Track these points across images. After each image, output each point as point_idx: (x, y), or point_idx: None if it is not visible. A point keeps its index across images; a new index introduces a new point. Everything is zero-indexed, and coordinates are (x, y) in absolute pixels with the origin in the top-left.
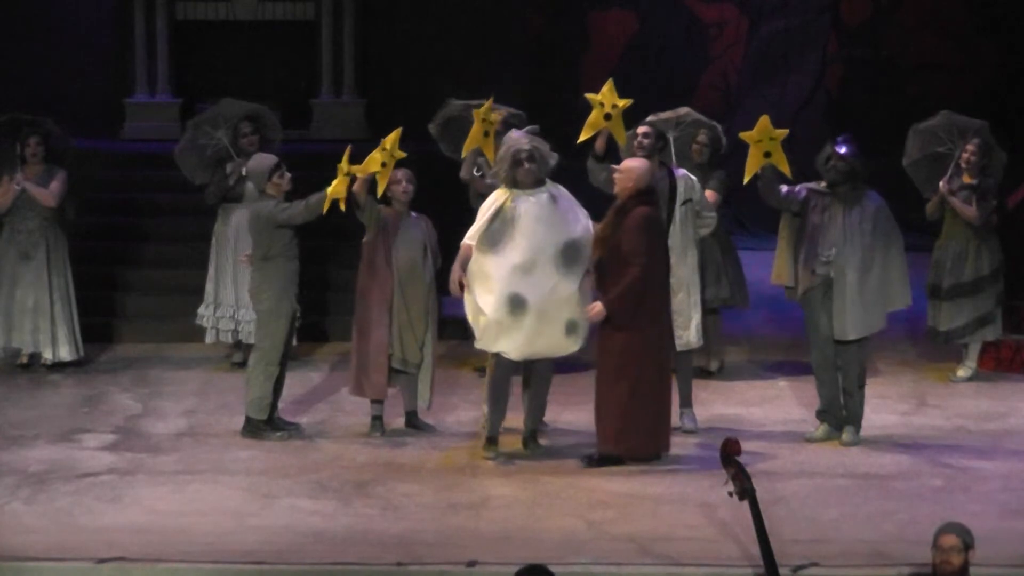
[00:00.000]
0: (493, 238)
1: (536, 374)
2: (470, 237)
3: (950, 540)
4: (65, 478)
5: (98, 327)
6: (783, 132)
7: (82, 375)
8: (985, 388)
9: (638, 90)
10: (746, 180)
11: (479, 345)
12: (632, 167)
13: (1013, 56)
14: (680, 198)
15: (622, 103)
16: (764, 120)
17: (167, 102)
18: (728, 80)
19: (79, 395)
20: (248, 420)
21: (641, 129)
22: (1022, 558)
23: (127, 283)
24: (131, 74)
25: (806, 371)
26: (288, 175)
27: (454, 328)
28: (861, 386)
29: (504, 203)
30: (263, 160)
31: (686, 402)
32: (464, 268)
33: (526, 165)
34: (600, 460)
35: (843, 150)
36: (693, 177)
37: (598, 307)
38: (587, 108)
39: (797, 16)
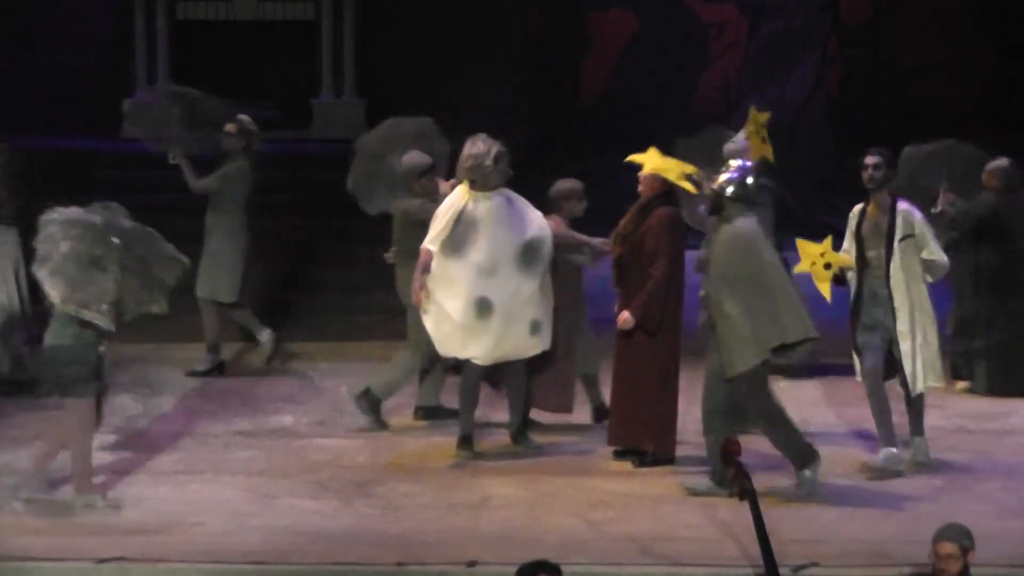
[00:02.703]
0: (456, 242)
1: (510, 373)
2: (430, 242)
3: (947, 548)
4: (65, 478)
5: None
6: (838, 257)
7: None
8: None
9: (638, 90)
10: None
11: (445, 352)
12: None
13: (1013, 56)
14: (899, 233)
15: (832, 257)
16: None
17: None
18: (728, 80)
19: None
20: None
21: (870, 160)
22: (1022, 558)
23: None
24: (131, 74)
25: (806, 372)
26: (436, 180)
27: None
28: (772, 427)
29: (464, 205)
30: (419, 158)
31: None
32: (425, 274)
33: (503, 165)
34: (655, 461)
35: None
36: (915, 211)
37: (626, 315)
38: (586, 107)
39: (797, 16)
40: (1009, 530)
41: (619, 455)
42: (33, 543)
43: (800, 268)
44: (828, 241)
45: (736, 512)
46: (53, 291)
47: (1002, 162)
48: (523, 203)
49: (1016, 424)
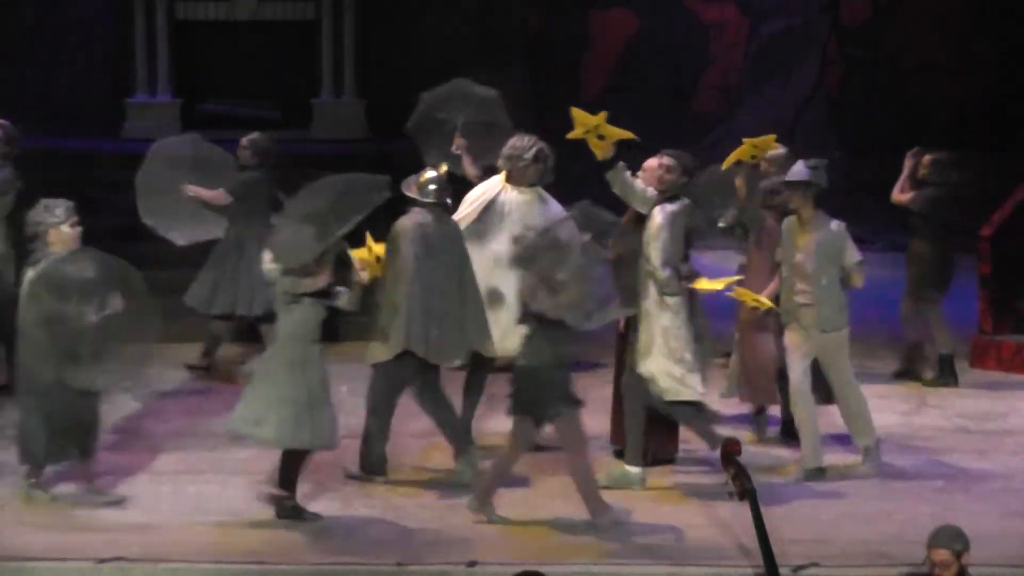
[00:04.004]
0: (481, 229)
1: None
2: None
3: (940, 556)
4: (65, 478)
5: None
6: (611, 130)
7: None
8: (985, 388)
9: (638, 90)
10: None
11: None
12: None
13: (1013, 56)
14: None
15: (607, 130)
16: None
17: (167, 102)
18: (728, 80)
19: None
20: None
21: (665, 161)
22: (1022, 558)
23: None
24: (131, 74)
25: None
26: None
27: None
28: (373, 415)
29: (497, 195)
30: None
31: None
32: None
33: (541, 164)
34: (655, 461)
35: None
36: (657, 216)
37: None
38: (586, 107)
39: (797, 16)
40: (1009, 530)
41: (619, 455)
42: (33, 542)
43: (573, 135)
44: (603, 115)
45: (736, 512)
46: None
47: (780, 151)
48: (557, 206)
49: (1016, 424)
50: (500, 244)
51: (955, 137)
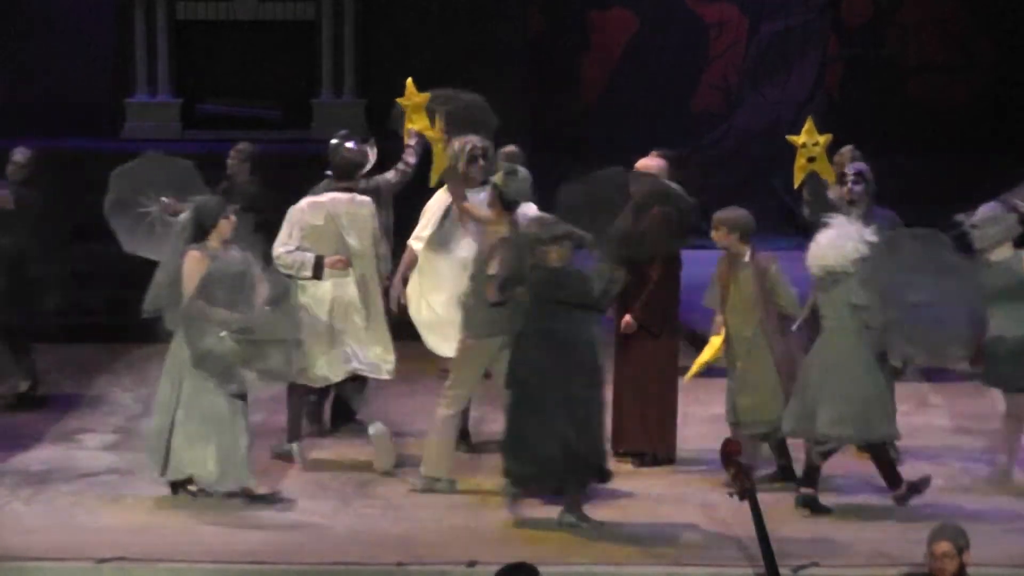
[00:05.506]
0: (444, 236)
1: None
2: (416, 239)
3: (943, 547)
4: (65, 478)
5: (99, 327)
6: (827, 137)
7: (82, 375)
8: (985, 388)
9: (638, 90)
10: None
11: (429, 345)
12: (650, 167)
13: (1012, 56)
14: None
15: (823, 140)
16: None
17: (167, 102)
18: (728, 80)
19: (79, 395)
20: None
21: (851, 170)
22: (1022, 558)
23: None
24: (131, 74)
25: None
26: None
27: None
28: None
29: (451, 203)
30: None
31: None
32: (407, 276)
33: (480, 162)
34: (655, 461)
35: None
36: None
37: (628, 319)
38: (586, 107)
39: (797, 16)
40: (1009, 530)
41: (619, 455)
42: (34, 542)
43: (793, 139)
44: None
45: (736, 512)
46: None
47: (512, 147)
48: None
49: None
50: (465, 249)
51: (955, 137)
